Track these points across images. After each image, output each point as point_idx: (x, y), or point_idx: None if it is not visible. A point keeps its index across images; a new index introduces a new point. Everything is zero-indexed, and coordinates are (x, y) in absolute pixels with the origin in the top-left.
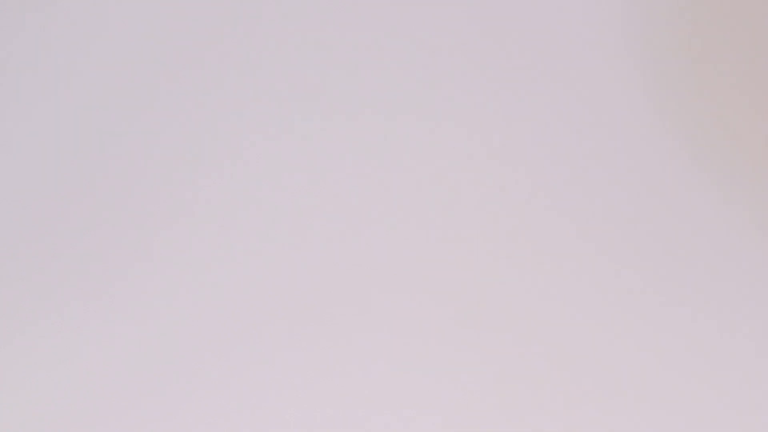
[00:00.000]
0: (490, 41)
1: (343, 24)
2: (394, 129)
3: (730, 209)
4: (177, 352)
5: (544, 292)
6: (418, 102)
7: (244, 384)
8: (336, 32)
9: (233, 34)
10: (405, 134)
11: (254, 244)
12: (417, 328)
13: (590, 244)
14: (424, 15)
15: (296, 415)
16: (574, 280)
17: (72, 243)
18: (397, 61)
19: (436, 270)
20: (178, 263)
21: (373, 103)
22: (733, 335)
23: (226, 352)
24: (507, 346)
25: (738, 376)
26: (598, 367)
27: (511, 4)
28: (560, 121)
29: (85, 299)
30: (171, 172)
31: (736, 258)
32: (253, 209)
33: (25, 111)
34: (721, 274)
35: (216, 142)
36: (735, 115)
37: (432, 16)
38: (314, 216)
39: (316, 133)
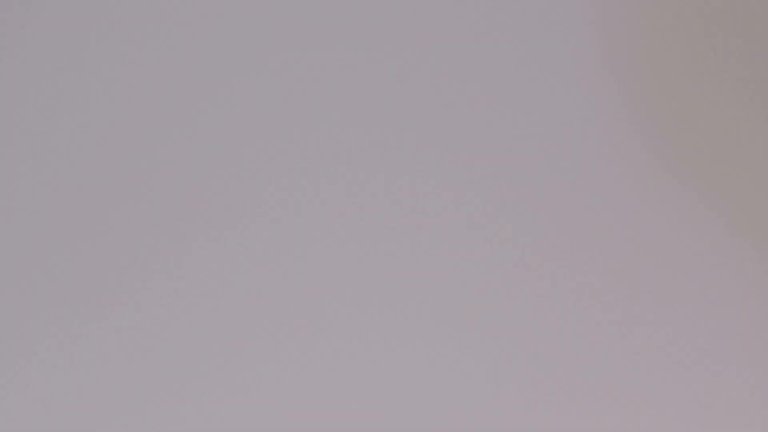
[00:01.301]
0: (485, 47)
1: (337, 34)
2: (391, 132)
3: (724, 213)
4: (174, 358)
5: (539, 298)
6: (414, 105)
7: (240, 388)
8: (331, 41)
9: (239, 44)
10: (403, 138)
11: (253, 247)
12: (414, 330)
13: (586, 250)
14: (419, 24)
15: (292, 417)
16: (570, 284)
17: (73, 250)
18: (394, 67)
19: (434, 274)
20: (177, 272)
21: (370, 108)
22: (726, 337)
23: (225, 357)
24: (504, 352)
25: (731, 374)
26: (595, 369)
27: (510, 9)
28: (556, 127)
29: (84, 306)
30: (174, 182)
31: (730, 260)
32: (251, 215)
33: (28, 119)
34: (715, 277)
35: (224, 152)
36: (729, 122)
37: (428, 24)
38: (312, 220)
39: (316, 139)
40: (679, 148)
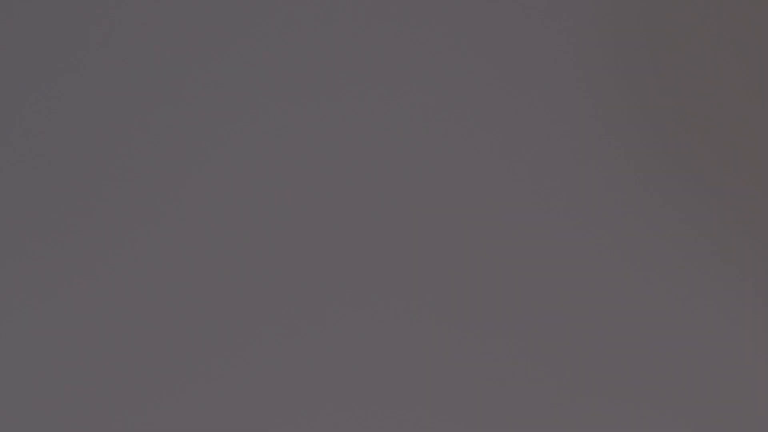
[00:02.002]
0: (487, 44)
1: (338, 28)
2: (388, 129)
3: (723, 211)
4: (164, 346)
5: (539, 299)
6: (413, 103)
7: (236, 380)
8: (332, 36)
9: (231, 35)
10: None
11: (249, 239)
12: (412, 327)
13: (587, 243)
14: (422, 18)
15: (289, 414)
16: (569, 283)
17: (63, 238)
18: (394, 63)
19: (432, 270)
20: (167, 259)
21: (369, 104)
22: (731, 334)
23: (218, 347)
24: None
25: (732, 372)
26: (593, 369)
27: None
28: (558, 122)
29: (72, 293)
30: (163, 172)
31: (730, 257)
32: (246, 206)
33: (23, 107)
34: (716, 273)
35: (215, 144)
36: (731, 121)
37: (431, 19)
38: (309, 214)
39: (313, 132)
40: (679, 146)
